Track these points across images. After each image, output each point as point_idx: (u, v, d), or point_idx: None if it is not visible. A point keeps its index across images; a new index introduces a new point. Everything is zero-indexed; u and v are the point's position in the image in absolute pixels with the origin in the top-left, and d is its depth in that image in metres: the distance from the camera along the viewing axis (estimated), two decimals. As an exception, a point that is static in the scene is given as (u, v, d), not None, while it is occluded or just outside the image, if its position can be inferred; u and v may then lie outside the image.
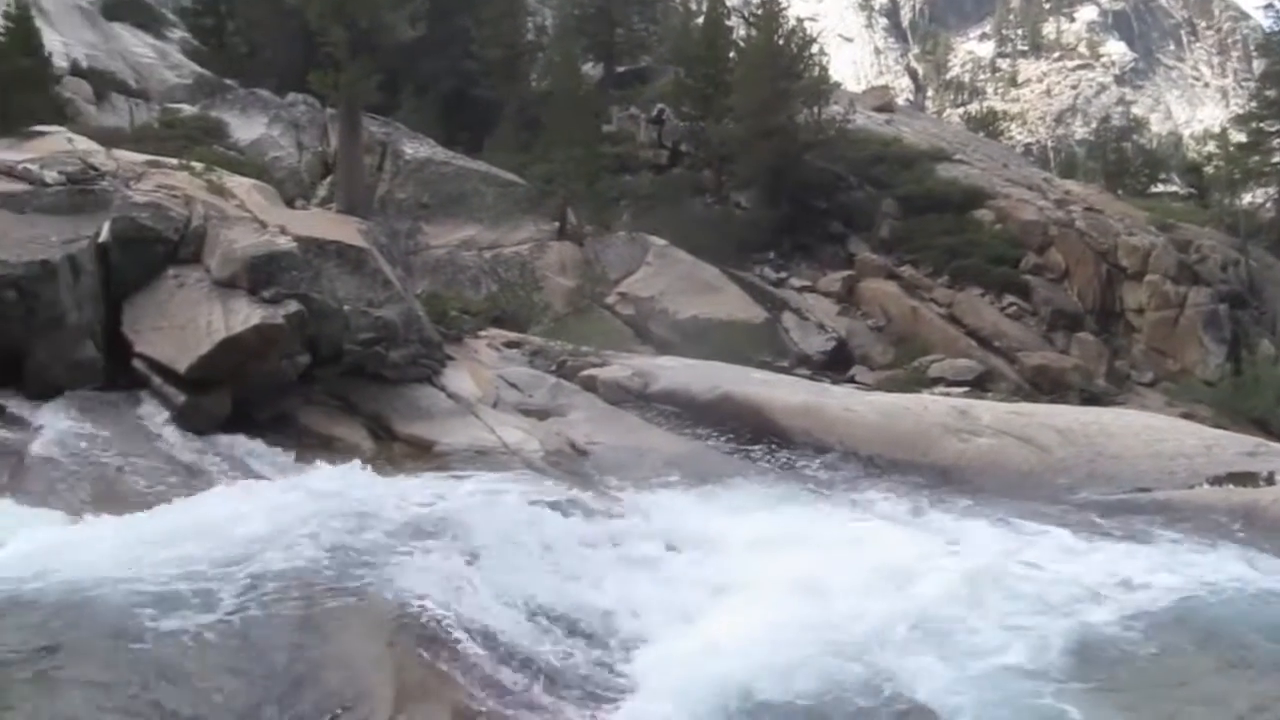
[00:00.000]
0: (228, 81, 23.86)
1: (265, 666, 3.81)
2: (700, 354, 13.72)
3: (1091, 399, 16.47)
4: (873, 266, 20.78)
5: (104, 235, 8.38)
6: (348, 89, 11.49)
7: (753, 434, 9.46)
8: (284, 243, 8.34)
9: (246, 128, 20.60)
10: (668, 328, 17.47)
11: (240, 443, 7.38)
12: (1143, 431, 8.02)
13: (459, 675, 4.04)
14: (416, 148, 19.33)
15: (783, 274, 20.58)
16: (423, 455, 7.95)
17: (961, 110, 63.36)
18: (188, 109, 21.89)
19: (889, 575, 5.93)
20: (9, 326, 7.36)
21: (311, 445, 7.68)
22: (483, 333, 12.49)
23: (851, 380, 17.11)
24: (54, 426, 6.77)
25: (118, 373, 7.75)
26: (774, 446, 9.19)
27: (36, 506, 5.68)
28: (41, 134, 13.34)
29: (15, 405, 7.09)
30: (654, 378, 10.78)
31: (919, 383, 16.44)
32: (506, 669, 4.38)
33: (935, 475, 8.19)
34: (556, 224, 19.24)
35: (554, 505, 6.62)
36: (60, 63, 19.59)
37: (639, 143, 25.01)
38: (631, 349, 14.59)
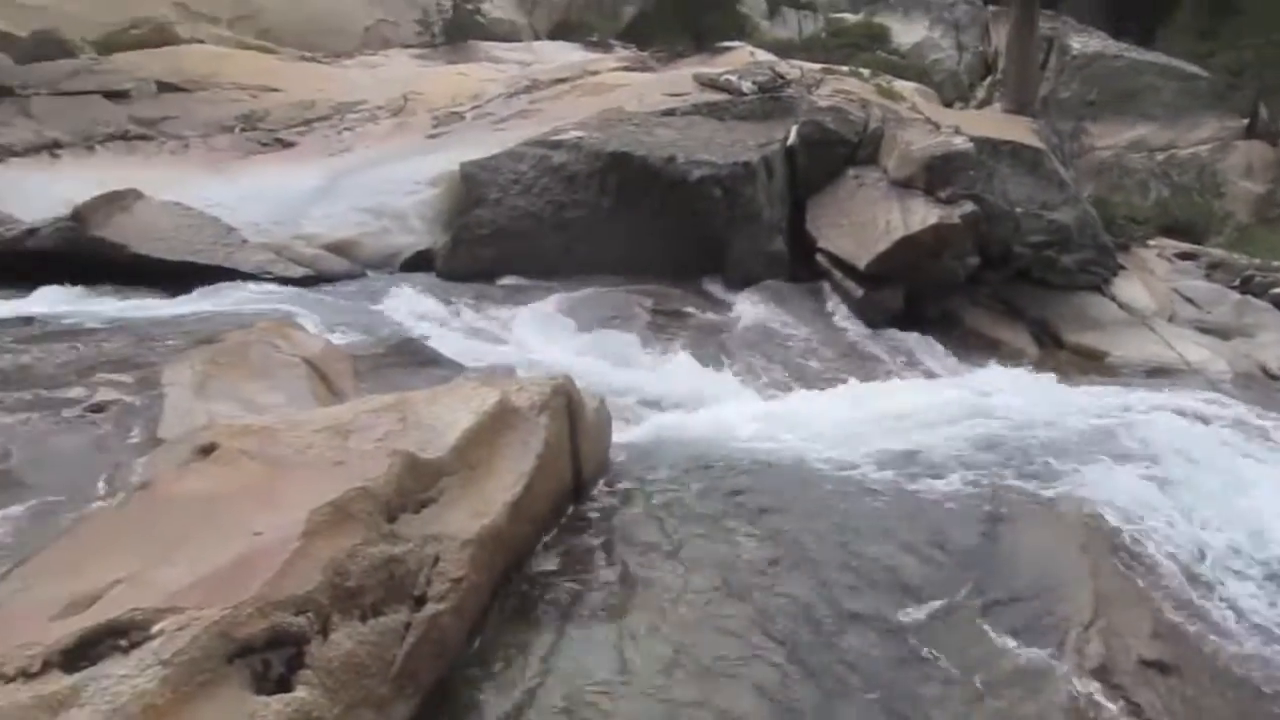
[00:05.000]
0: (888, -14, 24.25)
1: (957, 550, 3.94)
2: None
3: None
4: None
5: (791, 138, 9.05)
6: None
7: None
8: (960, 143, 8.38)
9: (908, 32, 20.85)
10: (1386, 243, 14.74)
11: (910, 338, 7.67)
12: None
13: (1154, 591, 3.87)
14: (1085, 41, 18.14)
15: None
16: (1092, 366, 7.66)
17: None
18: (851, 17, 22.71)
19: None
20: (714, 221, 8.31)
21: (977, 346, 7.75)
22: (1151, 242, 11.58)
23: None
24: (750, 311, 7.57)
25: (800, 266, 8.41)
26: None
27: (738, 379, 6.41)
28: (727, 49, 14.75)
29: (718, 291, 8.03)
30: (1374, 298, 9.26)
31: None
32: (1199, 595, 4.11)
33: None
34: (1245, 121, 16.99)
35: (1247, 432, 6.01)
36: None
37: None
38: (1337, 266, 12.55)
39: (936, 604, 3.59)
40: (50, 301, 6.76)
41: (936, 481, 4.54)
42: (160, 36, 14.20)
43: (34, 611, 2.43)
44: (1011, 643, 3.39)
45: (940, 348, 7.58)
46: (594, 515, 4.03)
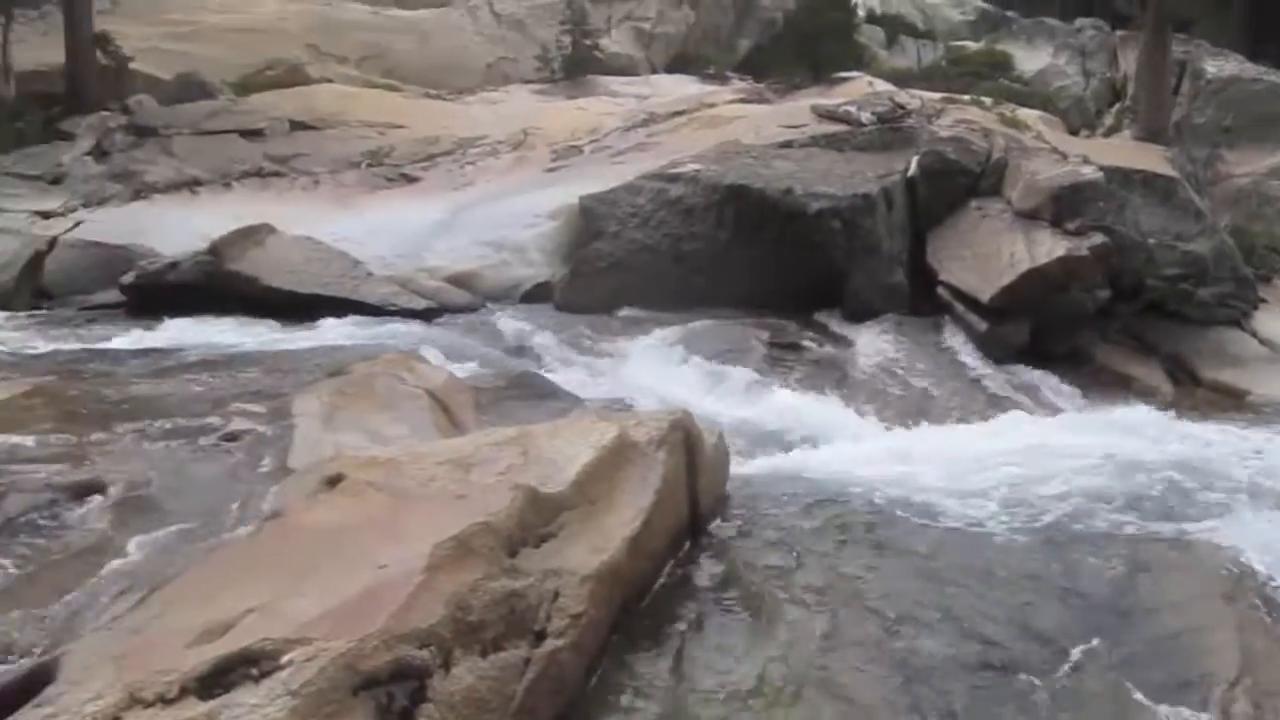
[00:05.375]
0: (1009, 14, 23.79)
1: (1089, 596, 3.78)
2: None
3: None
4: None
5: (912, 169, 8.92)
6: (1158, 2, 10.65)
7: None
8: (1089, 173, 8.13)
9: (1031, 59, 20.34)
10: None
11: (1035, 373, 7.45)
12: None
13: (1309, 648, 3.64)
14: (1220, 65, 17.38)
15: None
16: (1232, 405, 7.32)
17: None
18: (972, 45, 22.29)
19: None
20: (833, 253, 8.23)
21: (1106, 383, 7.49)
22: (1296, 273, 11.04)
23: None
24: (869, 345, 7.46)
25: (920, 299, 8.25)
26: None
27: (857, 414, 6.30)
28: (845, 79, 14.63)
29: (836, 324, 7.93)
30: None
31: None
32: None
33: None
34: (1396, 146, 16.09)
35: None
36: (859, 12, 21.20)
37: None
38: None
39: (1070, 655, 3.44)
40: (188, 333, 7.06)
41: (1068, 524, 4.37)
42: (293, 77, 14.80)
43: (171, 638, 2.51)
44: (1151, 699, 3.22)
45: (1068, 384, 7.34)
46: (710, 552, 3.99)
